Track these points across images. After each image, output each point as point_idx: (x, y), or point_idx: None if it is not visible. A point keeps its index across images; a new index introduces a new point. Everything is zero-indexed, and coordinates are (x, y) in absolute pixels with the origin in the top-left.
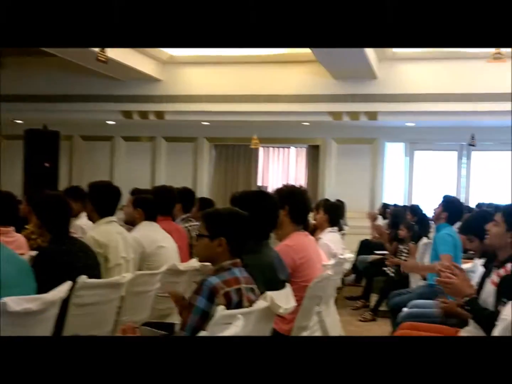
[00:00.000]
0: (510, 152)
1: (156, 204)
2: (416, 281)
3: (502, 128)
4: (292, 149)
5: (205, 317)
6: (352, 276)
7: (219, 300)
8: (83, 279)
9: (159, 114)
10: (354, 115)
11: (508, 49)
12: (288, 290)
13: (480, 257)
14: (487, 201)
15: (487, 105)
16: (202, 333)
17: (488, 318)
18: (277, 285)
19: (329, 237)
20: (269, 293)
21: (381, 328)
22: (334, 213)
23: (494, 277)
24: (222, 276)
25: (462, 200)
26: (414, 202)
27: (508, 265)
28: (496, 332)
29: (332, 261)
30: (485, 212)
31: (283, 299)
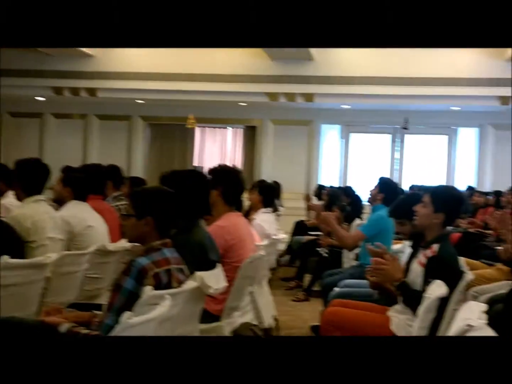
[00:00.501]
0: (442, 136)
1: (86, 182)
2: (349, 261)
3: (435, 112)
4: (229, 129)
5: (133, 298)
6: (287, 257)
7: (148, 281)
8: (5, 259)
9: (91, 91)
10: (290, 96)
11: None
12: (219, 270)
13: (409, 239)
14: (419, 184)
15: (420, 89)
16: (127, 314)
17: (416, 299)
18: (208, 266)
19: (263, 217)
20: (199, 274)
21: (313, 308)
22: (268, 194)
23: (421, 258)
24: (151, 257)
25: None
26: (349, 184)
27: (435, 246)
28: (421, 310)
29: (265, 242)
30: (414, 195)
31: (214, 279)
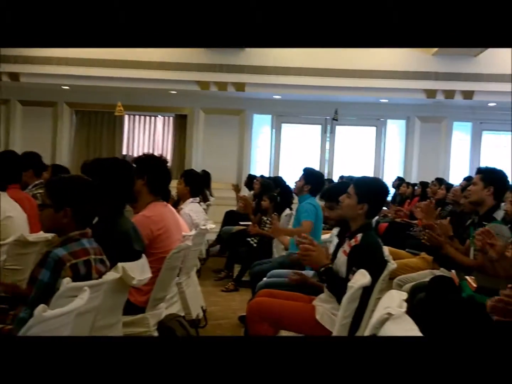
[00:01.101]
0: (371, 127)
1: (2, 172)
2: (278, 251)
3: (365, 104)
4: (160, 117)
5: (49, 290)
6: (217, 247)
7: (65, 273)
8: None
9: (13, 76)
10: (221, 85)
11: None
12: (143, 261)
13: (336, 226)
14: (348, 174)
15: (350, 81)
16: (41, 307)
17: (339, 286)
18: (132, 256)
19: (191, 207)
20: (121, 264)
21: (243, 298)
22: (196, 184)
23: (346, 247)
24: (69, 248)
25: (325, 173)
26: (281, 174)
27: (359, 236)
28: (345, 299)
29: (193, 232)
30: (345, 183)
31: (138, 270)
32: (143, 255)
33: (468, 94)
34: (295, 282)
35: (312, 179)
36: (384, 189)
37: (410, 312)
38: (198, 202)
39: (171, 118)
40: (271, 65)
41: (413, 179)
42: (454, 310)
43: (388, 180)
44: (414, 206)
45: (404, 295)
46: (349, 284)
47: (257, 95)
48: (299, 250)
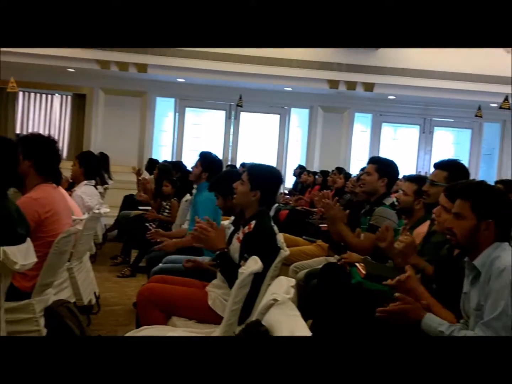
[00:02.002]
0: (275, 115)
1: None
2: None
3: (270, 92)
4: (57, 96)
5: None
6: (115, 232)
7: None
8: None
9: None
10: (122, 65)
11: None
12: (27, 245)
13: (224, 215)
14: (250, 161)
15: (256, 67)
16: None
17: (232, 272)
18: (15, 240)
19: (84, 190)
20: (3, 248)
21: (139, 284)
22: (91, 166)
23: (240, 234)
24: None
25: (229, 159)
26: (184, 159)
27: (252, 223)
28: (235, 285)
29: (85, 216)
30: (232, 172)
31: (21, 254)
32: (28, 239)
33: (369, 86)
34: (189, 269)
35: (210, 166)
36: (277, 177)
37: (304, 297)
38: (94, 185)
39: (69, 97)
40: (174, 47)
41: (315, 167)
42: (343, 296)
43: (291, 168)
44: (314, 194)
45: (293, 282)
46: (240, 270)
47: (160, 77)
48: (195, 228)
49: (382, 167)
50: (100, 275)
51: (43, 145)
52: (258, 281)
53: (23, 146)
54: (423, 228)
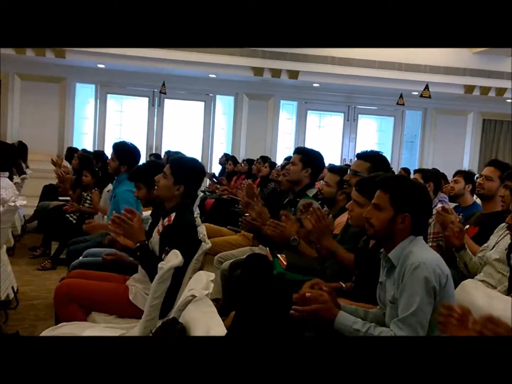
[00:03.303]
0: (200, 102)
1: None
2: None
3: (194, 78)
4: None
5: None
6: (35, 223)
7: None
8: None
9: None
10: (39, 50)
11: None
12: None
13: (145, 206)
14: (175, 149)
15: (178, 53)
16: None
17: (152, 265)
18: None
19: None
20: None
21: (60, 277)
22: (4, 157)
23: (160, 226)
24: None
25: (153, 147)
26: (107, 147)
27: (173, 215)
28: (155, 280)
29: (0, 209)
30: (155, 163)
31: None
32: None
33: (293, 74)
34: (109, 261)
35: (126, 157)
36: (200, 171)
37: (228, 288)
38: (8, 177)
39: None
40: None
41: (241, 155)
42: (265, 287)
43: (216, 155)
44: (238, 184)
45: (212, 276)
46: (159, 265)
47: (79, 62)
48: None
49: (307, 158)
50: (19, 268)
51: None
52: (179, 275)
53: None
54: (344, 217)
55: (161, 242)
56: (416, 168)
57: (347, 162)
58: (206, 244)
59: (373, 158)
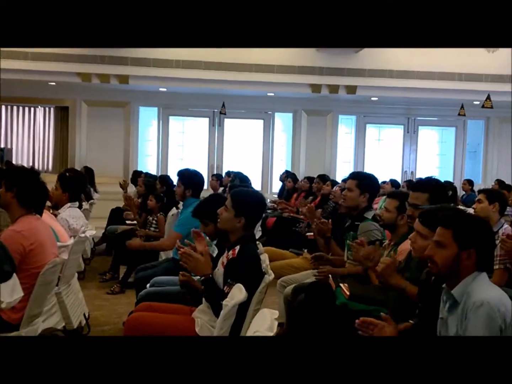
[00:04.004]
0: (259, 120)
1: None
2: (166, 254)
3: (252, 98)
4: (40, 108)
5: None
6: (104, 245)
7: None
8: None
9: None
10: (104, 77)
11: None
12: (13, 281)
13: (213, 240)
14: (237, 169)
15: (237, 74)
16: None
17: (216, 298)
18: (1, 277)
19: (69, 212)
20: None
21: (129, 301)
22: (74, 189)
23: (224, 258)
24: None
25: (214, 167)
26: (170, 168)
27: (237, 248)
28: (220, 316)
29: (71, 241)
30: (217, 196)
31: (7, 291)
32: (14, 275)
33: (351, 89)
34: (185, 282)
35: (190, 181)
36: (261, 202)
37: (292, 313)
38: (78, 207)
39: (52, 110)
40: (154, 57)
41: (301, 171)
42: (328, 317)
43: (277, 173)
44: (299, 202)
45: (276, 314)
46: (224, 302)
47: (142, 87)
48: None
49: (362, 183)
50: (89, 292)
51: (25, 176)
52: (243, 308)
53: (6, 178)
54: (407, 244)
55: (225, 275)
56: (480, 179)
57: (408, 174)
58: (269, 276)
59: (430, 188)
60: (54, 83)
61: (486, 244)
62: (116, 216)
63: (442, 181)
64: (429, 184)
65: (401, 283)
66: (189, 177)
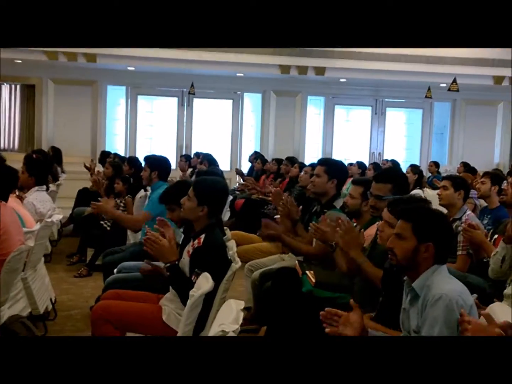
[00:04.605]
0: (228, 100)
1: None
2: (134, 237)
3: (222, 78)
4: (5, 85)
5: None
6: (71, 227)
7: None
8: None
9: None
10: (71, 55)
11: None
12: None
13: (180, 227)
14: (205, 151)
15: (206, 54)
16: None
17: (183, 286)
18: None
19: (36, 196)
20: None
21: (96, 284)
22: (41, 172)
23: (190, 247)
24: None
25: (183, 147)
26: (138, 148)
27: (202, 237)
28: (187, 306)
29: (37, 226)
30: (182, 183)
31: None
32: None
33: (320, 70)
34: (147, 273)
35: (156, 165)
36: (223, 189)
37: (258, 300)
38: (45, 190)
39: (18, 87)
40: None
41: (270, 151)
42: (294, 304)
43: (246, 152)
44: (267, 183)
45: (241, 304)
46: (191, 292)
47: (110, 66)
48: (148, 235)
49: (331, 169)
50: (56, 275)
51: None
52: (210, 296)
53: None
54: (372, 230)
55: (191, 264)
56: (446, 160)
57: (376, 156)
58: (236, 264)
59: (393, 179)
60: (20, 61)
61: (444, 238)
62: (83, 197)
63: (409, 163)
64: (392, 175)
65: (359, 258)
66: (155, 161)
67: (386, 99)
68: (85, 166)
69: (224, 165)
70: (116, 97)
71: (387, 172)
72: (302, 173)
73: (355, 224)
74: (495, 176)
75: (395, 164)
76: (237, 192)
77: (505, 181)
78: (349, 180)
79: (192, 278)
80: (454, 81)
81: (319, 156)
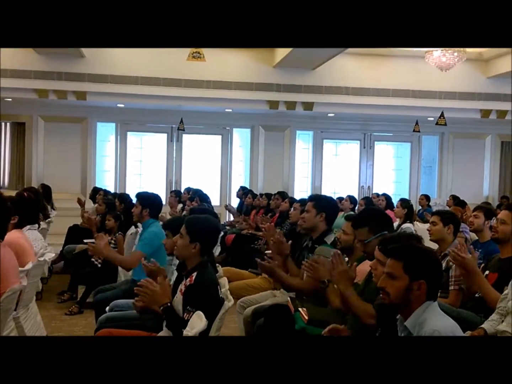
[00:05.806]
0: (217, 136)
1: None
2: (125, 274)
3: (210, 113)
4: None
5: None
6: (61, 263)
7: None
8: None
9: None
10: (61, 93)
11: None
12: None
13: (169, 255)
14: (195, 186)
15: (195, 91)
16: None
17: (177, 326)
18: None
19: (28, 235)
20: None
21: (87, 322)
22: (30, 211)
23: (182, 286)
24: None
25: (173, 183)
26: (128, 184)
27: (194, 274)
28: None
29: (29, 265)
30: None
31: None
32: None
33: (308, 105)
34: (140, 309)
35: (148, 202)
36: (215, 227)
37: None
38: (37, 229)
39: (8, 125)
40: (112, 73)
41: (259, 186)
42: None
43: (235, 187)
44: (260, 218)
45: None
46: (185, 332)
47: (100, 103)
48: (141, 284)
49: (319, 203)
50: (47, 313)
51: None
52: (203, 335)
53: None
54: (364, 266)
55: (184, 302)
56: (436, 193)
57: (365, 189)
58: (229, 302)
59: (367, 221)
60: (10, 99)
61: (435, 274)
62: (73, 233)
63: (399, 196)
64: (365, 217)
65: (346, 291)
66: (147, 198)
67: (374, 133)
68: (79, 202)
69: (214, 200)
70: (105, 134)
71: (361, 215)
72: (291, 210)
73: (347, 260)
74: (488, 211)
75: (387, 198)
76: (227, 228)
77: (494, 218)
78: (340, 214)
79: (185, 316)
80: (442, 115)
81: (308, 190)
